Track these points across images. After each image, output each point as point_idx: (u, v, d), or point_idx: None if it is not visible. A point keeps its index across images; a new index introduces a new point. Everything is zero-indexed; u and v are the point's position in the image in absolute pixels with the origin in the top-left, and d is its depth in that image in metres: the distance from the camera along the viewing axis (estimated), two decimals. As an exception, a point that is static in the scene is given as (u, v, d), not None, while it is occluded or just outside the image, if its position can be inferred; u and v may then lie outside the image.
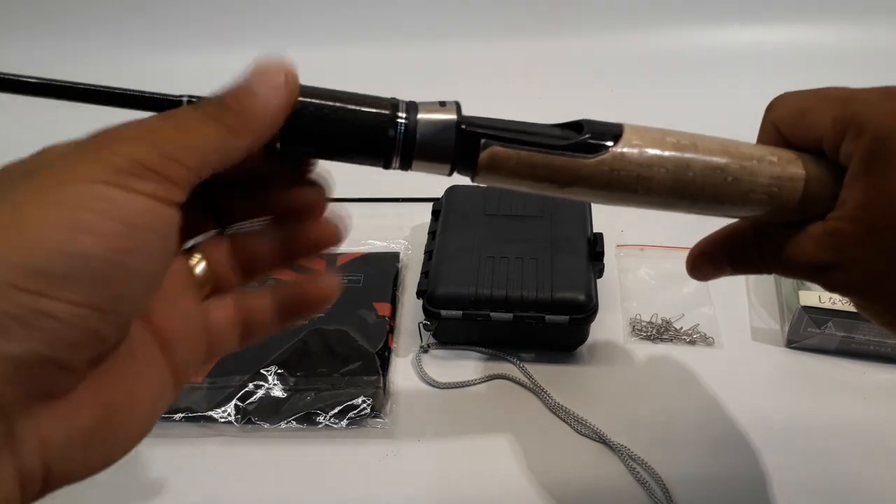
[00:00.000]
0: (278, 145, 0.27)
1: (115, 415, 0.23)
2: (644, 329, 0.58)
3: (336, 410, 0.52)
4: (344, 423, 0.52)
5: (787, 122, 0.33)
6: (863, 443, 0.50)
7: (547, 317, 0.54)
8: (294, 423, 0.52)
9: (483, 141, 0.30)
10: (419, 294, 0.56)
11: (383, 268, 0.63)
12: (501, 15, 0.94)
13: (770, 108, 0.34)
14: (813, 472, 0.48)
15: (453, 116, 0.29)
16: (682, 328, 0.58)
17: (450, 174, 0.30)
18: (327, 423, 0.52)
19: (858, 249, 0.30)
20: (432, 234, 0.61)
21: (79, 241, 0.20)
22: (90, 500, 0.49)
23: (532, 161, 0.30)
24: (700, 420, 0.52)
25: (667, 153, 0.31)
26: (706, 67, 0.91)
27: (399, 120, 0.28)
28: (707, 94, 0.87)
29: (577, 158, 0.30)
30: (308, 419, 0.52)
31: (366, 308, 0.59)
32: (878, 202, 0.29)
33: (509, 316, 0.54)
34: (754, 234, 0.34)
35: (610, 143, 0.30)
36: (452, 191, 0.64)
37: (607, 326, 0.58)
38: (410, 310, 0.61)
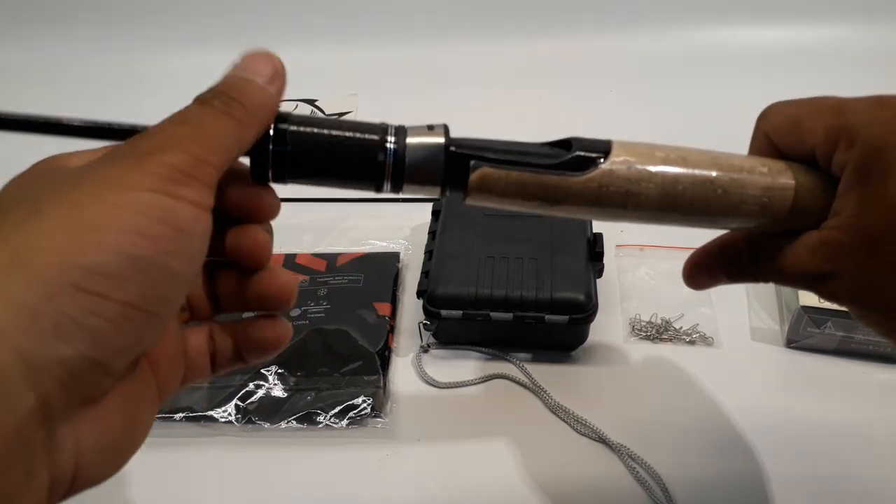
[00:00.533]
0: (270, 174, 0.28)
1: (135, 421, 0.24)
2: (644, 329, 0.58)
3: (336, 410, 0.52)
4: (344, 422, 0.52)
5: (779, 132, 0.33)
6: (862, 442, 0.50)
7: (547, 317, 0.54)
8: (294, 422, 0.52)
9: (472, 162, 0.30)
10: (419, 294, 0.56)
11: (383, 268, 0.64)
12: (499, 16, 0.94)
13: (762, 118, 0.34)
14: (812, 472, 0.49)
15: (441, 140, 0.30)
16: (681, 328, 0.58)
17: (441, 196, 0.31)
18: (327, 422, 0.52)
19: (853, 258, 0.30)
20: (432, 234, 0.61)
21: (136, 243, 0.21)
22: (90, 500, 0.49)
23: (522, 181, 0.30)
24: (699, 420, 0.52)
25: (655, 168, 0.31)
26: (705, 68, 0.91)
27: (388, 145, 0.29)
28: (706, 95, 0.87)
29: (566, 177, 0.30)
30: (308, 419, 0.52)
31: (366, 308, 0.59)
32: (872, 211, 0.29)
33: (509, 316, 0.54)
34: (748, 245, 0.34)
35: (599, 160, 0.30)
36: (452, 191, 0.64)
37: (607, 326, 0.58)
38: (410, 310, 0.61)
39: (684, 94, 0.86)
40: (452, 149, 0.30)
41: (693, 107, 0.82)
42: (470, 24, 0.95)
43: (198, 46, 0.93)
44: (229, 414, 0.52)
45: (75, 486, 0.22)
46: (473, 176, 0.30)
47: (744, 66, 0.91)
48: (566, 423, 0.52)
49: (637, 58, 0.91)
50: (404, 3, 0.95)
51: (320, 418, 0.52)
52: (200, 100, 0.25)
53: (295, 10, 0.95)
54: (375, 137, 0.29)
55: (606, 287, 0.60)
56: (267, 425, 0.52)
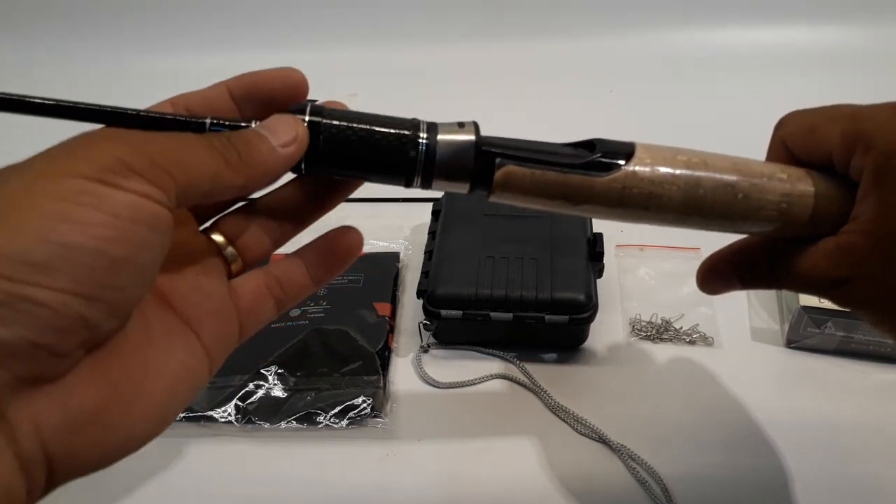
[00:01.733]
0: (303, 167, 0.28)
1: (125, 395, 0.24)
2: (644, 329, 0.58)
3: (336, 410, 0.52)
4: (344, 422, 0.52)
5: (796, 139, 0.33)
6: (863, 442, 0.50)
7: (547, 317, 0.54)
8: (294, 422, 0.52)
9: (498, 160, 0.30)
10: (419, 294, 0.56)
11: (383, 268, 0.64)
12: (499, 16, 0.94)
13: (779, 126, 0.35)
14: (812, 472, 0.49)
15: (472, 137, 0.30)
16: (681, 328, 0.58)
17: (469, 192, 0.31)
18: (327, 423, 0.52)
19: (871, 263, 0.30)
20: (432, 234, 0.61)
21: (61, 230, 0.21)
22: (89, 500, 0.49)
23: (546, 179, 0.31)
24: (700, 420, 0.52)
25: (678, 171, 0.31)
26: (706, 68, 0.91)
27: (420, 140, 0.29)
28: (707, 95, 0.87)
29: (589, 177, 0.31)
30: (308, 419, 0.52)
31: (366, 308, 0.59)
32: (890, 215, 0.29)
33: (509, 316, 0.54)
34: (765, 250, 0.35)
35: (622, 162, 0.31)
36: (452, 191, 0.64)
37: (607, 326, 0.58)
38: (410, 310, 0.61)
39: (685, 95, 0.86)
40: (483, 147, 0.30)
41: (693, 107, 0.82)
42: (470, 25, 0.95)
43: (198, 46, 0.94)
44: (229, 414, 0.52)
45: (59, 470, 0.22)
46: (499, 174, 0.31)
47: (744, 66, 0.91)
48: (566, 423, 0.52)
49: (637, 58, 0.91)
50: (404, 4, 0.95)
51: (320, 418, 0.52)
52: (205, 135, 0.26)
53: (295, 9, 0.95)
54: (408, 133, 0.29)
55: (607, 287, 0.60)
56: (267, 425, 0.52)
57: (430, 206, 0.64)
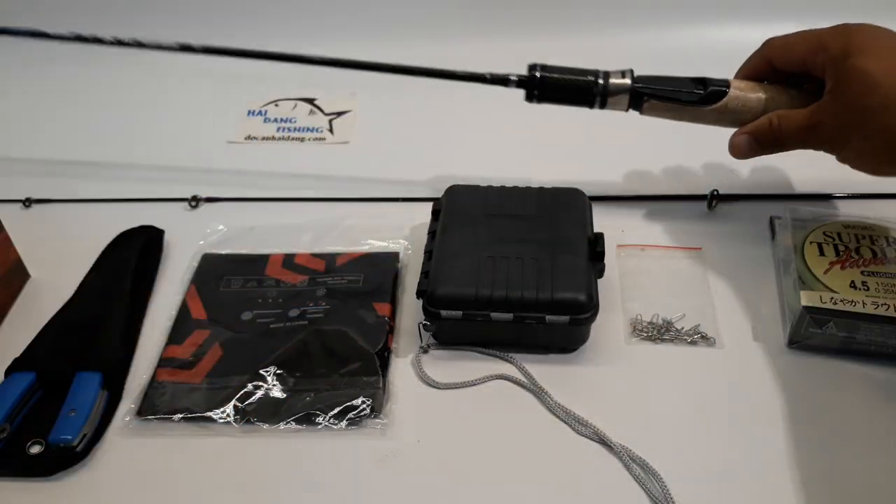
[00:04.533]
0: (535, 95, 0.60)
1: None
2: (644, 329, 0.58)
3: (336, 411, 0.52)
4: (343, 423, 0.52)
5: (777, 54, 0.58)
6: (863, 443, 0.50)
7: (547, 317, 0.53)
8: (293, 423, 0.52)
9: (645, 98, 0.60)
10: (419, 294, 0.56)
11: (383, 268, 0.63)
12: (499, 15, 0.94)
13: (763, 46, 0.60)
14: (813, 472, 0.48)
15: (628, 82, 0.60)
16: (682, 328, 0.58)
17: (626, 110, 0.61)
18: (327, 423, 0.52)
19: (832, 112, 0.53)
20: (432, 234, 0.61)
21: None
22: (89, 500, 0.49)
23: (671, 108, 0.60)
24: (700, 420, 0.52)
25: (751, 95, 0.59)
26: (706, 68, 0.90)
27: (599, 82, 0.59)
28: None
29: (701, 108, 0.59)
30: (307, 420, 0.52)
31: (365, 308, 0.59)
32: (843, 81, 0.52)
33: (509, 316, 0.54)
34: (769, 121, 0.57)
35: (718, 101, 0.59)
36: (452, 191, 0.63)
37: (608, 327, 0.58)
38: (410, 310, 0.61)
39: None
40: (636, 85, 0.59)
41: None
42: (470, 24, 0.94)
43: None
44: (228, 415, 0.52)
45: None
46: (645, 105, 0.60)
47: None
48: (566, 423, 0.52)
49: (637, 57, 0.91)
50: (404, 3, 0.94)
51: (319, 419, 0.52)
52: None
53: (295, 9, 0.95)
54: (592, 79, 0.60)
55: (607, 287, 0.60)
56: (266, 426, 0.52)
57: (430, 205, 0.64)
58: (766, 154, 0.58)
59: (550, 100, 0.59)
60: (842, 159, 0.54)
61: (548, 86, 0.59)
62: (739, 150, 0.58)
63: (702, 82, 0.59)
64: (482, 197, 0.62)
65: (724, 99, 0.58)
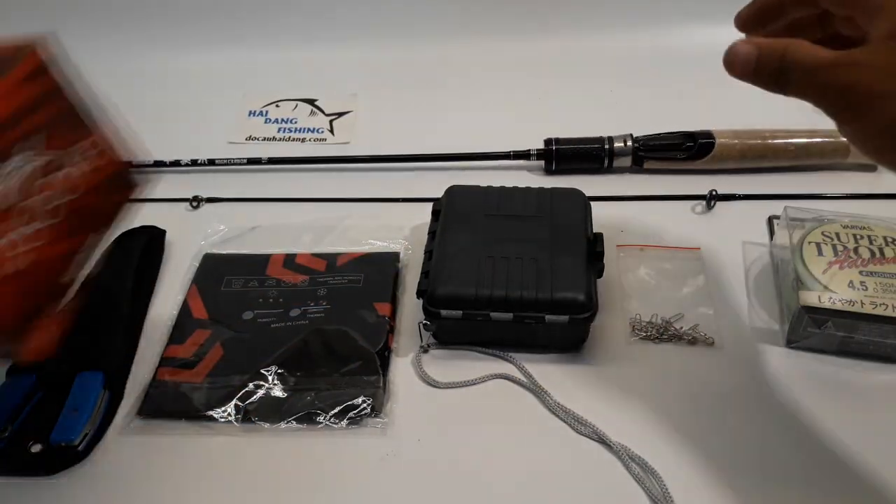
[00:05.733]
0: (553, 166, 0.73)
1: None
2: (644, 329, 0.58)
3: (336, 410, 0.52)
4: (344, 422, 0.52)
5: None
6: (863, 443, 0.50)
7: (547, 317, 0.54)
8: (294, 422, 0.52)
9: (645, 159, 0.71)
10: (419, 294, 0.56)
11: (383, 268, 0.63)
12: (499, 15, 0.94)
13: None
14: (813, 472, 0.49)
15: (631, 143, 0.71)
16: (682, 328, 0.58)
17: (630, 167, 0.72)
18: (327, 423, 0.52)
19: (882, 61, 0.37)
20: (432, 234, 0.61)
21: None
22: (90, 499, 0.49)
23: (670, 166, 0.71)
24: (700, 420, 0.52)
25: (736, 148, 0.70)
26: (707, 68, 0.91)
27: (605, 147, 0.71)
28: (707, 95, 0.87)
29: (694, 161, 0.70)
30: (308, 419, 0.52)
31: (366, 308, 0.59)
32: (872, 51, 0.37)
33: (509, 316, 0.54)
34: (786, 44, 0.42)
35: (711, 150, 0.70)
36: (452, 191, 0.64)
37: (607, 326, 0.58)
38: (410, 310, 0.61)
39: (685, 94, 0.86)
40: (638, 151, 0.71)
41: (694, 106, 0.81)
42: (470, 24, 0.95)
43: (199, 45, 0.93)
44: (229, 414, 0.52)
45: None
46: (646, 164, 0.71)
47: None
48: (566, 423, 0.52)
49: (638, 57, 0.91)
50: (404, 4, 0.95)
51: (320, 418, 0.52)
52: None
53: (295, 9, 0.95)
54: (599, 146, 0.72)
55: (607, 287, 0.60)
56: (266, 425, 0.52)
57: (430, 205, 0.64)
58: (760, 84, 0.45)
59: (566, 170, 0.73)
60: (853, 129, 0.40)
61: (562, 155, 0.73)
62: (735, 63, 0.45)
63: (691, 137, 0.70)
64: (482, 197, 0.62)
65: (713, 151, 0.70)
